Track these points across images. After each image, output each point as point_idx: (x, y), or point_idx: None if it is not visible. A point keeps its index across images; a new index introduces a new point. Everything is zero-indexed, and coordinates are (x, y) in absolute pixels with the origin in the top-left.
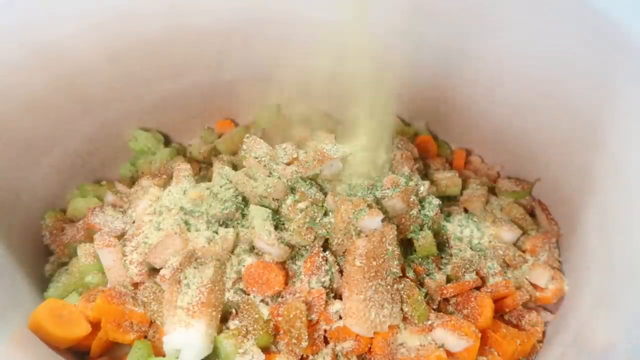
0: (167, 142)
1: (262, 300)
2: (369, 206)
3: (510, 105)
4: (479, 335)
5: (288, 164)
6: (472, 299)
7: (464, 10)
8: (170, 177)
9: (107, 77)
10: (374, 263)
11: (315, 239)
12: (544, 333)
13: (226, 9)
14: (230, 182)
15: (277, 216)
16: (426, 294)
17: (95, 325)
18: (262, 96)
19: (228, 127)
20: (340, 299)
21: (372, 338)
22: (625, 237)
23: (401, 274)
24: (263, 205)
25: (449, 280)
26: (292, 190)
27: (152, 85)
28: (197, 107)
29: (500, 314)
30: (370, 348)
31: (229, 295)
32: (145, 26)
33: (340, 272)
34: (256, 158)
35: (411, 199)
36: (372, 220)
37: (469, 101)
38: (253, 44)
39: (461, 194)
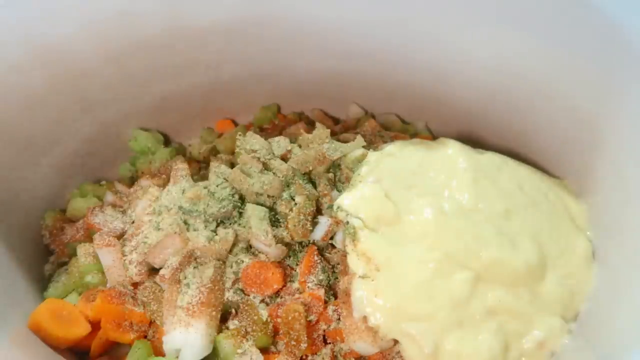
0: (167, 142)
1: (262, 301)
2: None
3: (510, 105)
4: None
5: (282, 157)
6: None
7: (464, 10)
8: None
9: (107, 77)
10: None
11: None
12: None
13: (226, 9)
14: (226, 180)
15: (272, 212)
16: None
17: (95, 325)
18: (262, 96)
19: (228, 127)
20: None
21: None
22: (625, 237)
23: None
24: (259, 203)
25: None
26: (287, 185)
27: (152, 86)
28: (197, 107)
29: None
30: None
31: (229, 295)
32: (145, 26)
33: (333, 269)
34: (252, 152)
35: None
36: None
37: (469, 101)
38: (253, 44)
39: None
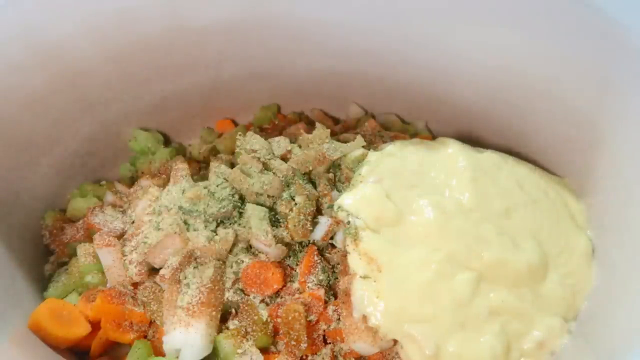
0: (167, 142)
1: (262, 301)
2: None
3: (510, 105)
4: None
5: (282, 157)
6: None
7: (464, 9)
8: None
9: (107, 77)
10: None
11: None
12: None
13: (226, 9)
14: (226, 180)
15: (272, 212)
16: None
17: (95, 325)
18: (262, 96)
19: (228, 126)
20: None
21: None
22: (625, 237)
23: None
24: (259, 203)
25: None
26: (288, 185)
27: (152, 85)
28: (197, 107)
29: None
30: None
31: (229, 295)
32: (145, 26)
33: (333, 269)
34: (252, 152)
35: None
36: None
37: (469, 101)
38: (253, 43)
39: None
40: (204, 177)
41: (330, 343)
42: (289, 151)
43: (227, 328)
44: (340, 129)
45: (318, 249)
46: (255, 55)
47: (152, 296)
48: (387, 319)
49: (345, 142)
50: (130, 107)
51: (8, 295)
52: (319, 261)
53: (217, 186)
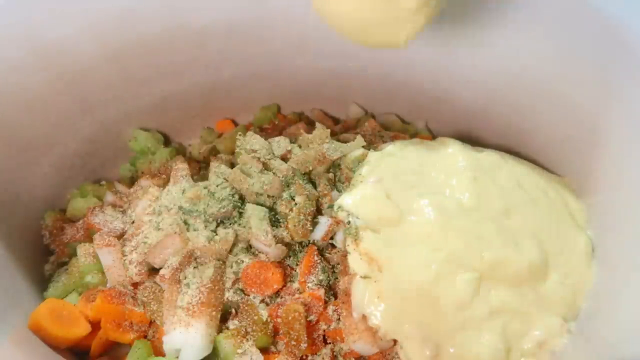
0: (167, 142)
1: (262, 301)
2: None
3: (510, 105)
4: None
5: (282, 157)
6: None
7: (464, 9)
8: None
9: (107, 77)
10: None
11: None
12: None
13: (226, 9)
14: (226, 180)
15: (272, 212)
16: None
17: (95, 325)
18: (262, 96)
19: (228, 127)
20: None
21: None
22: (625, 236)
23: None
24: (259, 203)
25: None
26: (288, 185)
27: (152, 85)
28: (197, 107)
29: None
30: None
31: (229, 295)
32: (145, 26)
33: (333, 269)
34: (252, 152)
35: None
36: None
37: (469, 101)
38: (253, 44)
39: None
40: (204, 177)
41: (330, 343)
42: (289, 151)
43: (227, 328)
44: (340, 129)
45: (318, 249)
46: (255, 55)
47: (152, 296)
48: (388, 319)
49: (345, 142)
50: (130, 107)
51: (8, 295)
52: (319, 261)
53: (217, 186)
